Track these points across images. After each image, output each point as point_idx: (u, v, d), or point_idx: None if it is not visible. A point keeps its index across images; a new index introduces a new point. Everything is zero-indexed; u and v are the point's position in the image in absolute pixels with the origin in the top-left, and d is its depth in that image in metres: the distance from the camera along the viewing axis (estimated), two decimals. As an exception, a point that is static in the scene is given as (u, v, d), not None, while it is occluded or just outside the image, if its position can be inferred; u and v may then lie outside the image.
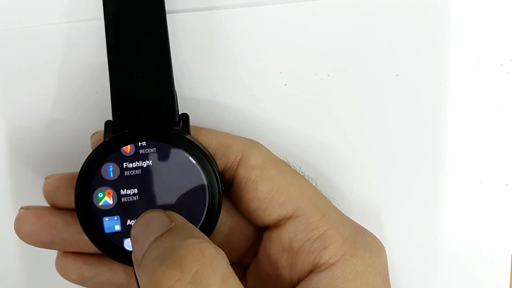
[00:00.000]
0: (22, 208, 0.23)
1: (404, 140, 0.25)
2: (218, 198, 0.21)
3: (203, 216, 0.21)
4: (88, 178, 0.21)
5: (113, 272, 0.24)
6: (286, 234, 0.22)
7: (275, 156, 0.23)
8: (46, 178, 0.23)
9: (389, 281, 0.22)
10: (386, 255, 0.23)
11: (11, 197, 0.27)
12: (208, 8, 0.24)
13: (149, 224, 0.19)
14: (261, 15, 0.24)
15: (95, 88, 0.25)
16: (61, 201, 0.23)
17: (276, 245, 0.22)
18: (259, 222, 0.23)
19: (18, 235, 0.23)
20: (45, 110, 0.26)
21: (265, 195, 0.22)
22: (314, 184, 0.23)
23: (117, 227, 0.21)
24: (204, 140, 0.23)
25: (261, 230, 0.24)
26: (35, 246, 0.23)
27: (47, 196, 0.23)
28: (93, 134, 0.24)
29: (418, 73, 0.24)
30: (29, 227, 0.23)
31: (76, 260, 0.24)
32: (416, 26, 0.23)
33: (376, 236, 0.22)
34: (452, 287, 0.26)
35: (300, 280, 0.22)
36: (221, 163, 0.23)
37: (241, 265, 0.24)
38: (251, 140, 0.23)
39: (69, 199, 0.22)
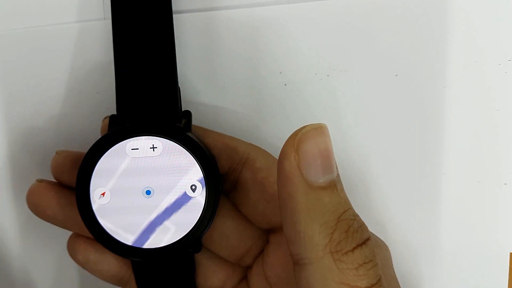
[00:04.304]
0: (37, 180, 0.24)
1: (403, 139, 0.25)
2: (215, 196, 0.22)
3: (200, 213, 0.22)
4: (88, 169, 0.21)
5: (117, 263, 0.24)
6: None
7: None
8: (56, 153, 0.24)
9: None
10: (390, 254, 0.23)
11: (13, 193, 0.27)
12: (209, 9, 0.24)
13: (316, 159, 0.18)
14: (261, 16, 0.24)
15: (96, 88, 0.25)
16: (64, 179, 0.24)
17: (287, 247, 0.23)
18: (265, 224, 0.23)
19: (27, 205, 0.24)
20: (46, 110, 0.26)
21: (272, 197, 0.22)
22: None
23: (113, 218, 0.22)
24: (210, 141, 0.23)
25: (262, 232, 0.24)
26: (41, 219, 0.24)
27: (53, 171, 0.24)
28: (105, 118, 0.24)
29: (417, 73, 0.24)
30: (37, 198, 0.23)
31: (85, 242, 0.24)
32: (415, 26, 0.24)
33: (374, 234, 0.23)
34: (451, 286, 0.26)
35: None
36: (225, 164, 0.23)
37: (240, 265, 0.25)
38: (256, 145, 0.23)
39: (72, 178, 0.23)
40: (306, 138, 0.18)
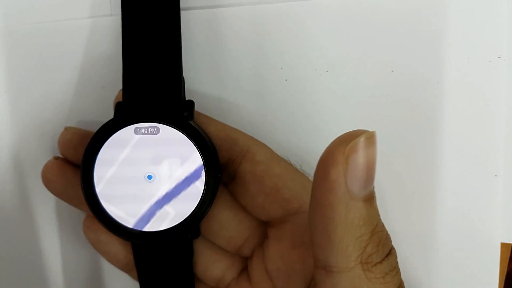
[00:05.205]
0: (53, 156, 0.25)
1: (398, 132, 0.25)
2: (214, 183, 0.22)
3: (199, 199, 0.22)
4: (93, 153, 0.22)
5: (124, 248, 0.25)
6: (296, 229, 0.23)
7: (278, 155, 0.24)
8: (64, 128, 0.24)
9: None
10: None
11: (20, 180, 0.28)
12: (213, 6, 0.25)
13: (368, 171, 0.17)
14: (263, 13, 0.25)
15: (101, 82, 0.26)
16: (70, 155, 0.24)
17: (287, 241, 0.23)
18: (263, 216, 0.23)
19: (42, 180, 0.24)
20: (53, 102, 0.26)
21: (271, 190, 0.23)
22: None
23: (116, 201, 0.22)
24: (213, 130, 0.23)
25: (259, 223, 0.24)
26: (53, 194, 0.24)
27: (60, 146, 0.24)
28: (120, 91, 0.24)
29: (412, 69, 0.25)
30: (50, 174, 0.24)
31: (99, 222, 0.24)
32: (410, 25, 0.24)
33: None
34: (444, 275, 0.26)
35: (312, 274, 0.22)
36: (226, 155, 0.23)
37: (240, 255, 0.25)
38: (256, 139, 0.24)
39: (77, 155, 0.24)
40: (359, 148, 0.17)
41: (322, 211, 0.18)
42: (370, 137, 0.17)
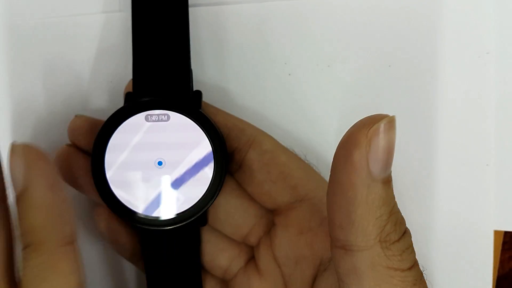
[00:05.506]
0: (66, 144, 0.25)
1: (397, 124, 0.27)
2: (222, 169, 0.23)
3: (208, 185, 0.23)
4: (104, 139, 0.22)
5: (132, 238, 0.25)
6: (303, 215, 0.23)
7: (283, 145, 0.24)
8: (75, 116, 0.25)
9: None
10: None
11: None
12: (219, 3, 0.26)
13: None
14: (267, 11, 0.26)
15: (109, 77, 0.26)
16: (80, 142, 0.24)
17: (294, 227, 0.23)
18: (270, 203, 0.24)
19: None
20: (61, 99, 0.27)
21: (278, 178, 0.23)
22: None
23: (126, 186, 0.22)
24: (221, 119, 0.24)
25: (265, 211, 0.25)
26: (64, 181, 0.24)
27: (69, 133, 0.24)
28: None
29: (408, 65, 0.26)
30: (63, 162, 0.24)
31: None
32: (407, 23, 0.26)
33: None
34: (438, 263, 0.27)
35: (323, 258, 0.23)
36: (233, 143, 0.24)
37: (246, 244, 0.25)
38: (262, 130, 0.25)
39: (86, 142, 0.24)
40: (380, 131, 0.17)
41: (343, 192, 0.18)
42: (391, 121, 0.18)
